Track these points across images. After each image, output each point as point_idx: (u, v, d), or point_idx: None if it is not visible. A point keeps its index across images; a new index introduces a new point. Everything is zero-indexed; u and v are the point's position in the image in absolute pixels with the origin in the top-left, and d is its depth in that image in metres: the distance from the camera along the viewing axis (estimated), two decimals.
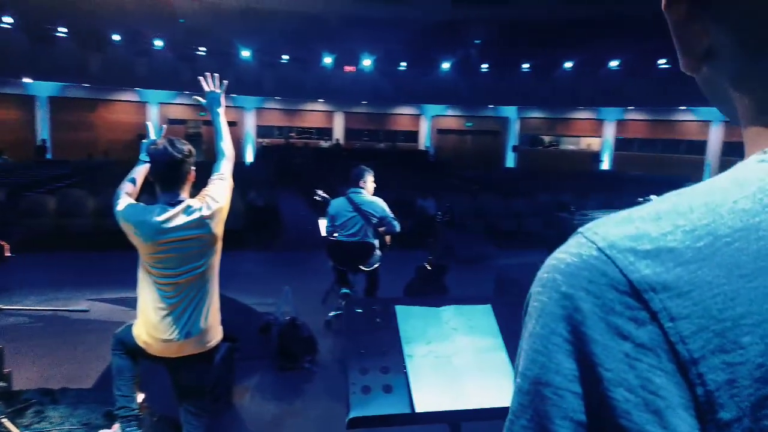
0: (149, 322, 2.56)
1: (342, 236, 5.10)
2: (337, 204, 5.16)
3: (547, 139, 28.97)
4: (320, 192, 5.66)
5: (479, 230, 10.32)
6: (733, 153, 22.21)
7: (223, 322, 2.75)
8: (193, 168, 2.63)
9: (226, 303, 2.78)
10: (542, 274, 0.41)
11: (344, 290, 5.41)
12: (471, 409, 1.21)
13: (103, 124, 24.02)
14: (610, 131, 26.44)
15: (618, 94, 23.38)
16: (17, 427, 3.10)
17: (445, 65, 24.33)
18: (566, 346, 0.38)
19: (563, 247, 0.41)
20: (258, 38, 21.50)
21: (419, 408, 1.19)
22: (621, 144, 26.46)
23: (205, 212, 2.55)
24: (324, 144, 26.69)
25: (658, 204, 0.40)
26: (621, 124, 26.22)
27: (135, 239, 2.51)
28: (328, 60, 23.61)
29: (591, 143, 27.60)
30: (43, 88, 21.80)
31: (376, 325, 1.37)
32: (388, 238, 5.28)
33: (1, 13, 18.56)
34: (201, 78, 2.92)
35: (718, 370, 0.34)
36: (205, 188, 2.67)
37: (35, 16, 19.10)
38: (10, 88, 21.04)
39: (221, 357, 3.41)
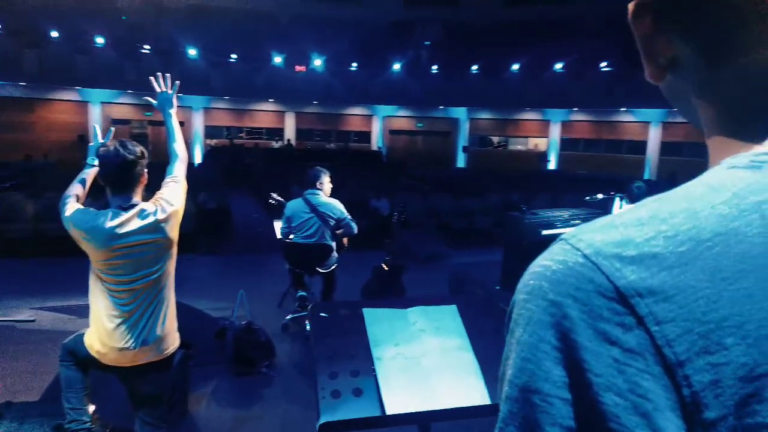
0: (103, 330, 2.47)
1: (299, 238, 5.06)
2: (294, 205, 5.11)
3: (496, 139, 29.56)
4: (274, 195, 5.60)
5: (432, 230, 10.43)
6: (670, 152, 23.30)
7: (177, 328, 2.69)
8: (146, 170, 2.56)
9: (178, 308, 2.71)
10: (528, 281, 0.41)
11: (301, 293, 5.37)
12: (441, 410, 1.23)
13: (43, 124, 22.94)
14: (556, 132, 27.24)
15: (563, 95, 24.12)
16: None
17: (396, 66, 24.47)
18: (555, 354, 0.38)
19: (547, 254, 0.41)
20: (205, 36, 21.04)
21: (390, 410, 1.20)
22: (566, 144, 27.30)
23: (160, 216, 2.49)
24: (275, 144, 26.36)
25: (638, 210, 0.41)
26: (566, 125, 27.04)
27: (86, 246, 2.42)
28: (278, 59, 23.33)
29: (538, 143, 28.35)
30: None
31: (344, 328, 1.37)
32: (345, 239, 5.27)
33: None
34: (152, 78, 2.85)
35: (703, 371, 0.35)
36: (159, 191, 2.61)
37: None
38: None
39: (176, 364, 3.33)
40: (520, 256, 5.54)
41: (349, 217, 5.10)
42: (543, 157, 27.33)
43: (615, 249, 0.38)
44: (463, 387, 1.28)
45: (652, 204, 0.41)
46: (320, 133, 28.44)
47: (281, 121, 27.34)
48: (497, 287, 5.76)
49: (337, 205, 5.08)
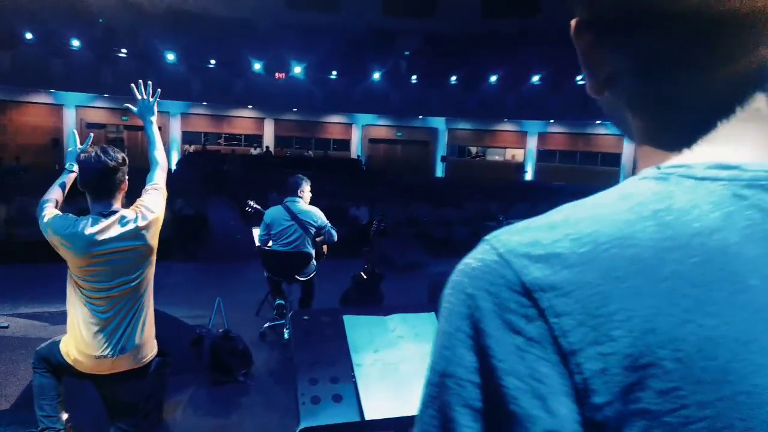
0: (80, 338, 2.45)
1: (278, 245, 5.05)
2: (274, 213, 5.11)
3: (474, 149, 29.85)
4: (251, 203, 5.58)
5: (411, 238, 10.49)
6: None
7: (155, 336, 2.68)
8: (127, 178, 2.55)
9: (155, 316, 2.70)
10: (453, 277, 0.45)
11: (279, 301, 5.35)
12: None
13: (15, 127, 22.49)
14: (533, 143, 27.63)
15: (540, 107, 24.51)
16: None
17: (376, 75, 24.60)
18: (468, 341, 0.41)
19: (472, 253, 0.45)
20: (184, 41, 20.89)
21: (369, 416, 1.23)
22: (543, 155, 27.70)
23: (141, 223, 2.48)
24: (254, 151, 26.23)
25: (553, 215, 0.44)
26: (543, 136, 27.45)
27: (64, 252, 2.40)
28: (257, 66, 23.27)
29: (515, 154, 28.70)
30: None
31: (324, 335, 1.39)
32: (324, 247, 5.28)
33: None
34: (133, 85, 2.85)
35: (594, 360, 0.38)
36: (140, 198, 2.60)
37: None
38: None
39: (152, 371, 3.30)
40: None
41: (330, 225, 5.12)
42: (520, 167, 27.69)
43: (525, 249, 0.42)
44: None
45: (566, 209, 0.45)
46: (299, 141, 28.41)
47: (260, 128, 27.25)
48: None
49: (318, 213, 5.09)
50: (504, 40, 21.96)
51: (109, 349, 2.44)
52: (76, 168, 2.65)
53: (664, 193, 0.43)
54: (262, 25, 21.87)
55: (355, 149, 28.26)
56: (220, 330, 4.61)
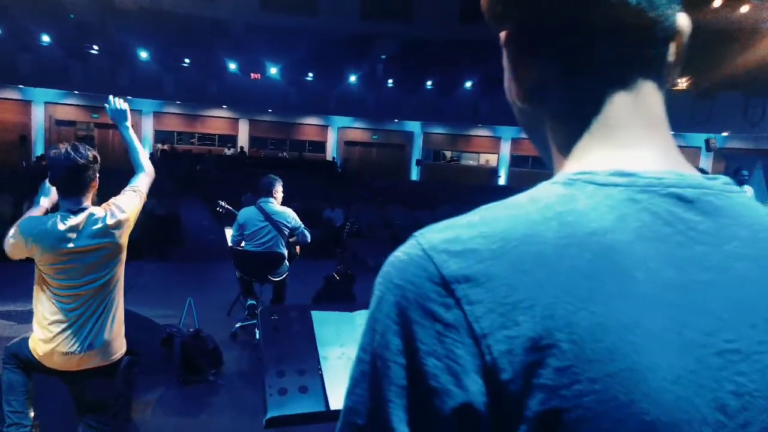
0: (48, 334, 2.45)
1: (251, 246, 5.06)
2: (247, 213, 5.12)
3: (449, 154, 30.09)
4: (222, 203, 5.59)
5: (385, 240, 10.55)
6: None
7: (124, 335, 2.68)
8: (98, 176, 2.56)
9: (124, 315, 2.71)
10: (384, 268, 0.50)
11: (251, 301, 5.35)
12: None
13: None
14: (506, 148, 27.99)
15: (513, 113, 24.79)
16: None
17: (353, 78, 24.63)
18: (395, 327, 0.46)
19: (401, 247, 0.51)
20: (157, 39, 20.62)
21: (334, 405, 1.28)
22: (516, 161, 28.09)
23: (110, 221, 2.49)
24: (228, 151, 26.01)
25: (472, 215, 0.50)
26: (516, 142, 27.84)
27: (32, 249, 2.40)
28: (232, 66, 23.09)
29: (489, 159, 29.04)
30: None
31: (293, 330, 1.45)
32: (297, 248, 5.31)
33: None
34: (110, 97, 2.87)
35: (501, 342, 0.44)
36: (115, 197, 2.61)
37: None
38: None
39: (121, 370, 3.29)
40: None
41: (303, 226, 5.15)
42: (494, 172, 28.03)
43: (445, 245, 0.47)
44: None
45: (484, 210, 0.51)
46: (274, 142, 28.26)
47: (234, 128, 27.03)
48: None
49: (292, 214, 5.12)
50: (480, 46, 22.22)
51: (76, 346, 2.44)
52: (44, 203, 2.64)
53: (568, 197, 0.49)
54: (238, 26, 21.74)
55: (331, 151, 28.24)
56: (191, 329, 4.61)
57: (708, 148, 18.96)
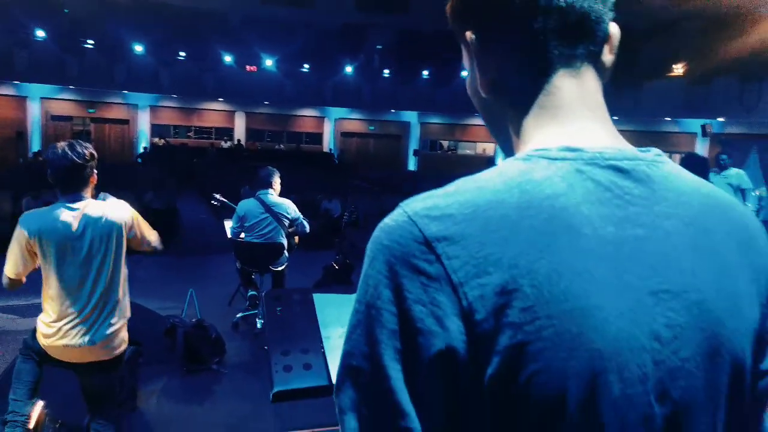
0: (53, 327, 2.50)
1: (252, 237, 5.12)
2: (247, 205, 5.17)
3: (446, 143, 30.09)
4: (217, 196, 5.63)
5: None
6: None
7: (127, 328, 2.74)
8: (96, 171, 2.61)
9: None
10: (374, 233, 0.58)
11: (252, 292, 5.42)
12: None
13: None
14: None
15: None
16: None
17: (349, 69, 24.58)
18: (385, 281, 0.54)
19: (388, 216, 0.59)
20: (153, 33, 20.54)
21: None
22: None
23: (111, 215, 2.55)
24: (224, 144, 25.99)
25: (449, 187, 0.58)
26: None
27: (33, 245, 2.45)
28: (228, 59, 23.02)
29: (486, 148, 29.05)
30: None
31: (296, 312, 1.51)
32: (296, 238, 5.37)
33: None
34: None
35: (475, 288, 0.52)
36: (130, 212, 2.69)
37: None
38: None
39: (125, 361, 3.36)
40: None
41: (302, 216, 5.21)
42: (490, 161, 28.01)
43: (427, 211, 0.56)
44: None
45: (459, 183, 0.59)
46: (271, 134, 28.24)
47: (231, 121, 27.00)
48: None
49: (291, 205, 5.18)
50: None
51: (80, 339, 2.49)
52: None
53: (527, 170, 0.58)
54: (234, 18, 21.65)
55: (328, 143, 28.24)
56: (193, 320, 4.67)
57: (704, 134, 19.03)
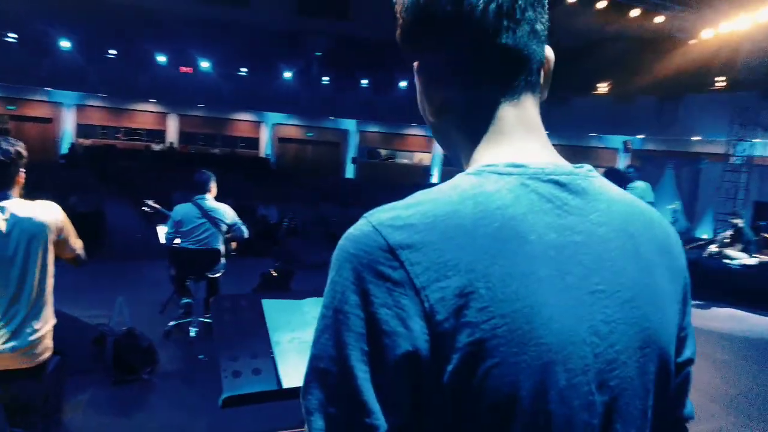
0: None
1: (188, 243, 4.99)
2: (184, 210, 5.04)
3: (383, 152, 30.36)
4: (149, 202, 5.47)
5: (320, 238, 10.57)
6: None
7: (52, 335, 2.61)
8: (23, 170, 2.49)
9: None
10: (340, 242, 0.62)
11: (186, 300, 5.28)
12: None
13: None
14: (439, 148, 28.53)
15: None
16: None
17: (287, 74, 24.39)
18: (352, 286, 0.58)
19: (354, 226, 0.63)
20: (81, 29, 19.62)
21: (286, 384, 1.36)
22: (448, 160, 28.52)
23: (39, 217, 2.44)
24: (156, 147, 25.11)
25: (409, 199, 0.64)
26: None
27: None
28: (162, 59, 22.31)
29: (423, 158, 29.55)
30: None
31: (245, 318, 1.51)
32: (234, 244, 5.28)
33: None
34: None
35: (436, 291, 0.57)
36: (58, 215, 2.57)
37: None
38: None
39: (51, 371, 3.19)
40: None
41: (240, 221, 5.14)
42: (427, 171, 28.55)
43: (390, 221, 0.60)
44: None
45: (418, 195, 0.65)
46: (205, 138, 27.54)
47: (163, 123, 26.13)
48: None
49: (228, 210, 5.10)
50: None
51: (2, 345, 2.37)
52: None
53: (478, 183, 0.65)
54: (168, 18, 21.01)
55: (264, 148, 27.84)
56: (124, 328, 4.50)
57: (625, 149, 20.16)
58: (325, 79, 24.89)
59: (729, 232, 9.28)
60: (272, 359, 1.41)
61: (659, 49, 16.39)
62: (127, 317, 5.01)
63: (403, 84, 24.89)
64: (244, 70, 23.75)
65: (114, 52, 20.65)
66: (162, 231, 5.46)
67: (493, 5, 0.66)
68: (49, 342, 2.57)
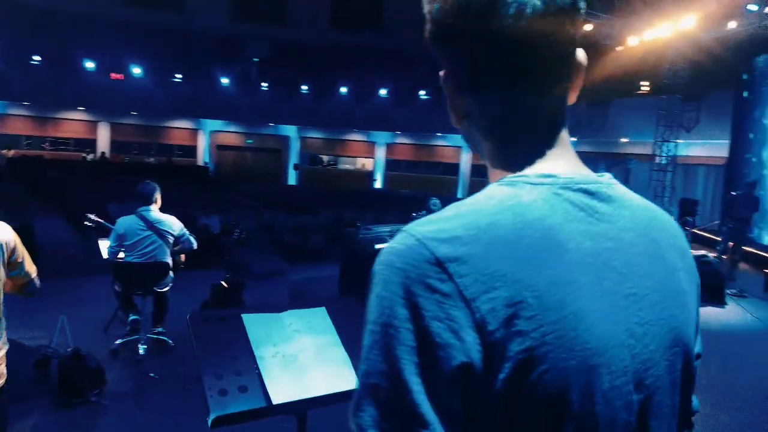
0: None
1: (133, 257, 4.80)
2: (127, 222, 4.84)
3: (326, 158, 30.25)
4: (92, 216, 5.22)
5: (267, 246, 10.41)
6: (479, 174, 25.96)
7: None
8: None
9: None
10: (382, 257, 0.63)
11: (133, 316, 5.08)
12: (318, 396, 1.41)
13: None
14: (381, 153, 28.76)
15: (388, 119, 25.62)
16: None
17: (225, 80, 23.90)
18: (401, 300, 0.59)
19: (393, 241, 0.64)
20: (3, 33, 18.53)
21: (275, 400, 1.35)
22: (391, 165, 28.98)
23: None
24: (87, 157, 24.00)
25: (446, 212, 0.65)
26: (390, 147, 28.71)
27: None
28: (90, 65, 21.37)
29: (365, 163, 29.64)
30: None
31: (226, 335, 1.48)
32: (182, 256, 5.13)
33: None
34: None
35: (486, 303, 0.58)
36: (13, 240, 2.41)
37: None
38: None
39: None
40: (356, 268, 5.87)
41: (188, 232, 5.00)
42: (370, 176, 28.66)
43: (434, 234, 0.61)
44: (336, 376, 1.48)
45: (454, 207, 0.66)
46: (139, 146, 26.60)
47: (93, 132, 25.05)
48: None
49: (175, 221, 4.94)
50: (354, 53, 22.62)
51: None
52: None
53: (514, 194, 0.66)
54: (98, 22, 20.15)
55: (202, 156, 27.16)
56: (69, 349, 4.27)
57: None
58: (264, 85, 24.58)
59: None
60: (258, 375, 1.39)
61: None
62: (69, 337, 4.76)
63: (343, 90, 24.90)
64: (179, 76, 23.11)
65: (38, 58, 19.62)
66: (104, 245, 5.23)
67: (528, 7, 0.65)
68: (2, 368, 2.42)
